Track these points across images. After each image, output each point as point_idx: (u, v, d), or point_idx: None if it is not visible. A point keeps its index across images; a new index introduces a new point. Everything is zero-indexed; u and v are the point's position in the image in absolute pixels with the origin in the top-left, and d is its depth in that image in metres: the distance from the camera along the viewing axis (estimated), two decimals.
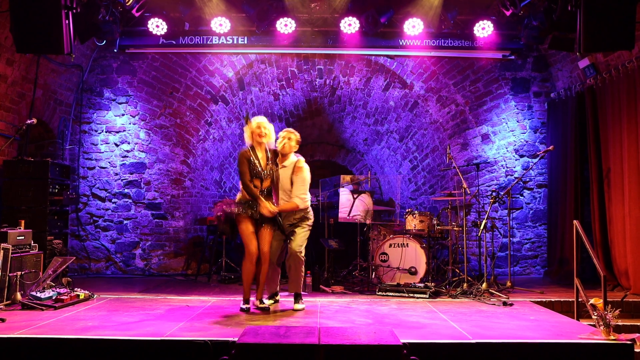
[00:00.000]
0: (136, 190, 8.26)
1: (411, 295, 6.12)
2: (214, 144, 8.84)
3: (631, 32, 5.57)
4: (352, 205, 7.62)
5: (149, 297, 6.05)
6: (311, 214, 5.59)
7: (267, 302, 5.48)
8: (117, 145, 8.28)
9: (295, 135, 5.60)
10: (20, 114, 7.01)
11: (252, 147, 5.34)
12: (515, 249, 8.27)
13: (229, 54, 8.25)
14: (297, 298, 5.53)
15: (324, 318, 4.95)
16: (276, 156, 5.46)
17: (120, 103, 8.29)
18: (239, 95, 8.68)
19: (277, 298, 5.72)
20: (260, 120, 5.38)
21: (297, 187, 5.42)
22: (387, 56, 8.28)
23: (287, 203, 5.42)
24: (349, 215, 7.58)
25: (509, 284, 6.74)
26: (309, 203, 5.55)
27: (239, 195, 5.41)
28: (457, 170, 6.79)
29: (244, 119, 5.44)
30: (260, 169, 5.26)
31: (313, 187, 9.40)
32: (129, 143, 8.27)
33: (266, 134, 5.33)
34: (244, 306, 5.26)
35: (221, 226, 5.47)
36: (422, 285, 6.30)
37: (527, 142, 8.34)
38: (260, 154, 5.34)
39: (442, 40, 7.69)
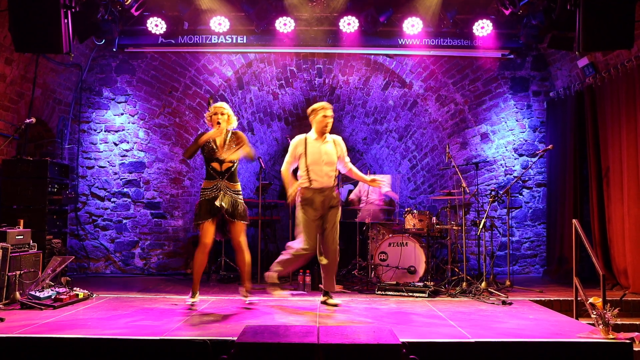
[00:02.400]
0: (135, 190, 8.26)
1: (410, 294, 6.12)
2: None
3: (630, 31, 5.57)
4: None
5: (148, 297, 6.05)
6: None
7: (333, 301, 5.48)
8: (116, 144, 8.27)
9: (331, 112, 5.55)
10: (19, 113, 7.00)
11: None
12: (515, 248, 8.27)
13: (228, 53, 8.24)
14: (329, 294, 5.57)
15: (323, 317, 4.95)
16: (238, 138, 5.43)
17: (119, 102, 8.28)
18: (238, 95, 8.68)
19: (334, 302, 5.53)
20: (218, 105, 5.43)
21: (348, 159, 5.61)
22: (387, 55, 8.28)
23: (364, 176, 5.64)
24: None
25: (508, 283, 6.75)
26: None
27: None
28: (456, 169, 6.79)
29: (207, 103, 5.48)
30: (216, 150, 5.32)
31: None
32: (128, 142, 8.27)
33: (224, 119, 5.35)
34: (190, 300, 5.37)
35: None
36: (421, 284, 6.30)
37: (526, 141, 8.35)
38: (219, 139, 5.37)
39: (441, 40, 7.68)
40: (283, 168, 5.53)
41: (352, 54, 8.27)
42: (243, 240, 5.42)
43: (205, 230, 5.29)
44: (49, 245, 6.62)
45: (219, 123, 5.31)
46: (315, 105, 5.50)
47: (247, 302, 5.52)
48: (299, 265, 5.60)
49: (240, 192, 5.48)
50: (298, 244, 5.33)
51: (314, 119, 5.47)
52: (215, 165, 5.34)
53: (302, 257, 5.38)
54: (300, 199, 5.37)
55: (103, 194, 8.25)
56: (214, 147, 5.34)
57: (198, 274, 5.42)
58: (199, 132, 5.48)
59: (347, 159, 5.62)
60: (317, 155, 5.37)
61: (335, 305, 5.42)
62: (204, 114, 5.49)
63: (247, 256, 5.46)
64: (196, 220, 5.34)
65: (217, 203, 5.25)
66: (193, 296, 5.42)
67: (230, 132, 5.46)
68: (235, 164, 5.44)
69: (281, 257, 5.42)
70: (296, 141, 5.50)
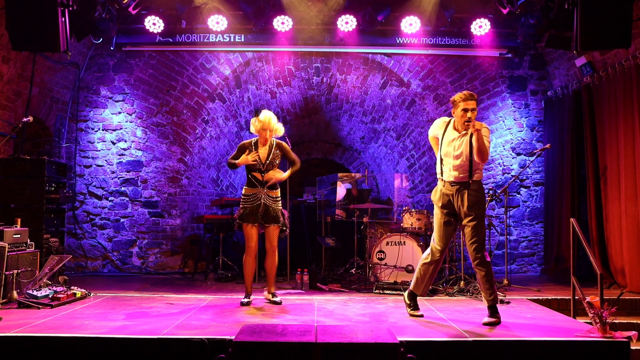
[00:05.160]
0: (133, 189, 8.25)
1: None
2: (210, 142, 8.83)
3: (628, 30, 5.58)
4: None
5: (145, 296, 6.04)
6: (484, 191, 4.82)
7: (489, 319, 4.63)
8: (113, 143, 8.26)
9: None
10: (17, 111, 6.99)
11: (257, 140, 5.54)
12: (512, 247, 8.28)
13: (226, 52, 8.23)
14: (493, 309, 4.67)
15: (320, 316, 4.95)
16: (282, 149, 5.56)
17: (117, 101, 8.27)
18: (236, 93, 8.67)
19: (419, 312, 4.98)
20: (265, 118, 5.45)
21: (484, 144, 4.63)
22: (384, 54, 8.28)
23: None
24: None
25: (505, 282, 6.75)
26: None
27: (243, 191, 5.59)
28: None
29: (254, 113, 5.57)
30: (259, 162, 5.45)
31: (310, 185, 9.44)
32: (125, 141, 8.26)
33: (270, 130, 5.47)
34: (244, 300, 5.46)
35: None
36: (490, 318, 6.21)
37: (524, 140, 8.35)
38: (263, 150, 5.50)
39: (439, 39, 7.68)
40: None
41: (350, 53, 8.26)
42: (275, 244, 5.55)
43: (249, 234, 5.44)
44: (46, 244, 6.61)
45: (266, 139, 5.46)
46: (455, 97, 4.73)
47: (278, 300, 5.55)
48: (434, 276, 4.98)
49: (279, 199, 5.59)
50: (426, 251, 4.94)
51: (454, 112, 4.76)
52: (257, 175, 5.46)
53: (431, 265, 4.87)
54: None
55: (101, 193, 8.24)
56: (258, 158, 5.44)
57: (249, 276, 5.53)
58: (240, 144, 5.59)
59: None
60: (450, 147, 4.75)
61: (493, 323, 4.55)
62: (251, 124, 5.57)
63: (275, 260, 5.61)
64: (241, 220, 5.44)
65: (259, 210, 5.43)
66: (247, 297, 5.52)
67: (275, 143, 5.56)
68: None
69: (413, 276, 5.01)
70: (439, 122, 4.90)
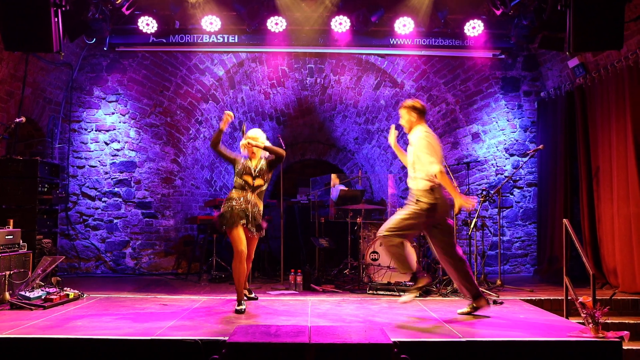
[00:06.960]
0: (126, 189, 8.22)
1: (402, 293, 6.11)
2: (204, 142, 8.81)
3: (620, 31, 5.61)
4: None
5: (139, 297, 6.03)
6: (429, 199, 4.76)
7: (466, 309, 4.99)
8: (107, 144, 8.23)
9: (412, 105, 5.09)
10: (9, 112, 6.95)
11: (247, 158, 5.48)
12: (506, 248, 8.31)
13: (220, 53, 8.23)
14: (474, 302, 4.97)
15: (314, 317, 4.95)
16: (267, 159, 5.53)
17: (110, 101, 8.25)
18: (230, 94, 8.66)
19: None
20: (251, 135, 5.45)
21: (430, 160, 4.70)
22: (378, 55, 8.29)
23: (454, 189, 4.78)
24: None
25: (499, 282, 6.77)
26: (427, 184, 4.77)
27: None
28: (447, 169, 6.79)
29: (240, 131, 5.48)
30: (251, 168, 5.38)
31: (304, 185, 9.44)
32: (119, 142, 8.24)
33: (254, 138, 5.43)
34: (240, 308, 5.14)
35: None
36: (412, 283, 6.29)
37: (517, 141, 8.38)
38: (254, 162, 5.45)
39: (433, 40, 7.69)
40: None
41: (343, 53, 8.27)
42: (252, 253, 5.57)
43: (237, 237, 5.21)
44: (39, 245, 6.59)
45: (253, 152, 5.45)
46: None
47: (254, 296, 5.88)
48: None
49: (262, 213, 5.51)
50: None
51: None
52: (248, 178, 5.35)
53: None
54: None
55: (94, 194, 8.21)
56: (249, 166, 5.39)
57: (241, 282, 5.23)
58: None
59: (428, 160, 4.71)
60: (409, 152, 5.01)
61: (469, 312, 4.91)
62: (241, 142, 5.49)
63: (250, 265, 5.68)
64: (226, 227, 5.21)
65: (246, 213, 5.28)
66: (241, 303, 5.21)
67: (263, 159, 5.49)
68: (265, 186, 5.48)
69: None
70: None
